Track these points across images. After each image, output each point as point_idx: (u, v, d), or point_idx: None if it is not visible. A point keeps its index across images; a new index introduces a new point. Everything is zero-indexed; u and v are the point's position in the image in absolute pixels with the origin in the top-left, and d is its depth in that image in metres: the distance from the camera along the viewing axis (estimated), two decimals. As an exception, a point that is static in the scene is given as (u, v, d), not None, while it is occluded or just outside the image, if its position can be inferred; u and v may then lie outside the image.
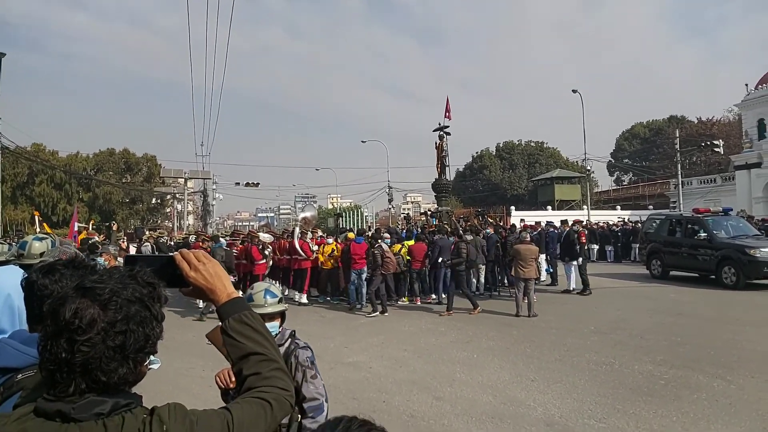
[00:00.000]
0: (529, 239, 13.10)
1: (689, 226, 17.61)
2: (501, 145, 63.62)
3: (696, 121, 56.72)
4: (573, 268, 15.61)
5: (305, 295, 15.09)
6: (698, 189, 42.58)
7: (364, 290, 13.70)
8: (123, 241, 21.80)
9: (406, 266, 14.59)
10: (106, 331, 1.14)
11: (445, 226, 17.93)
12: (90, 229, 22.55)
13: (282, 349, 3.09)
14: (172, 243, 24.17)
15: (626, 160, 65.01)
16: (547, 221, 20.40)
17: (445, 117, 23.35)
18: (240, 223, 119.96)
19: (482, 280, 15.61)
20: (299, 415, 3.00)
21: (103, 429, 1.11)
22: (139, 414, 1.16)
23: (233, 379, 2.08)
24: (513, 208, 41.39)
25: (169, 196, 58.45)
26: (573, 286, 15.40)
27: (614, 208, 44.44)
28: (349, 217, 41.31)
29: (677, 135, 38.89)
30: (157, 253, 16.57)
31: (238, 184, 51.79)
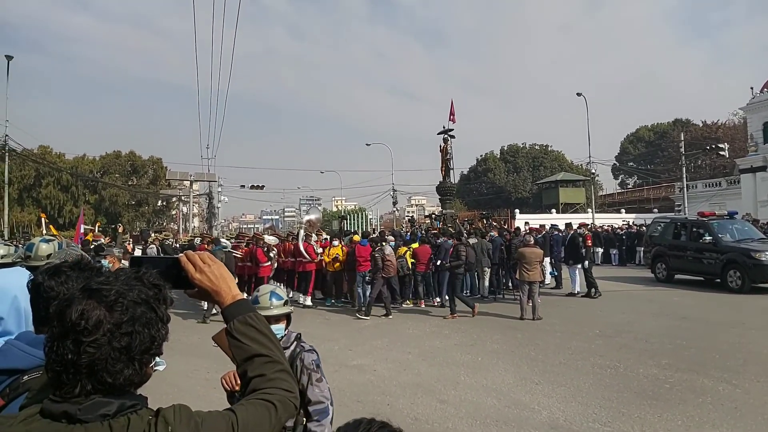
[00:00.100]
0: (533, 242, 13.08)
1: (694, 229, 17.55)
2: (505, 148, 63.51)
3: (701, 125, 56.53)
4: (577, 271, 15.57)
5: (309, 297, 15.11)
6: (703, 192, 42.39)
7: (369, 292, 13.73)
8: (129, 243, 21.87)
9: (410, 269, 14.58)
10: (112, 332, 1.14)
11: (450, 229, 17.90)
12: (96, 231, 22.61)
13: (287, 352, 3.09)
14: (178, 245, 24.23)
15: (631, 164, 64.87)
16: (551, 224, 20.34)
17: (450, 120, 23.32)
18: (245, 226, 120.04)
19: (486, 283, 15.59)
20: (304, 419, 3.01)
21: (109, 430, 1.11)
22: (144, 415, 1.16)
23: (239, 381, 2.08)
24: (517, 211, 41.32)
25: (174, 199, 58.52)
26: (577, 289, 15.37)
27: (619, 212, 44.30)
28: (354, 219, 41.25)
29: (682, 138, 38.76)
30: (162, 255, 16.59)
31: (243, 186, 51.84)
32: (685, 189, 36.90)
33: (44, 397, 1.18)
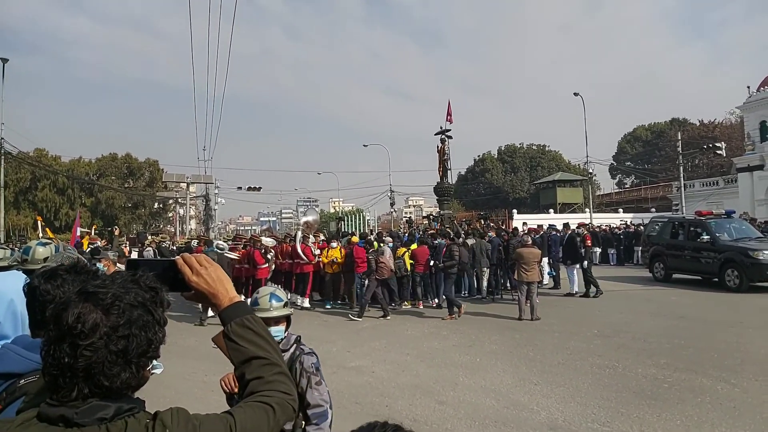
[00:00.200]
0: (531, 242, 13.10)
1: (692, 228, 17.58)
2: (503, 149, 63.64)
3: (698, 124, 56.66)
4: (575, 271, 15.59)
5: (307, 299, 15.10)
6: (700, 191, 42.49)
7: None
8: (125, 246, 21.84)
9: (407, 270, 14.58)
10: (109, 335, 1.14)
11: (447, 229, 17.90)
12: (92, 234, 22.57)
13: (287, 355, 3.08)
14: (175, 247, 24.22)
15: (628, 163, 65.02)
16: (549, 224, 20.36)
17: (447, 120, 23.35)
18: (242, 228, 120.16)
19: (485, 283, 15.59)
20: (303, 422, 2.99)
21: None
22: (142, 418, 1.16)
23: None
24: (515, 211, 41.36)
25: (171, 201, 58.51)
26: (576, 289, 15.39)
27: (616, 211, 44.35)
28: (351, 220, 41.29)
29: (679, 137, 38.83)
30: (159, 257, 16.59)
31: (240, 188, 51.77)
32: (683, 188, 36.99)
33: (41, 401, 1.17)
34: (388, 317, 12.95)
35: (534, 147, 63.34)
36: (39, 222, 24.70)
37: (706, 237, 16.67)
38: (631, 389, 7.09)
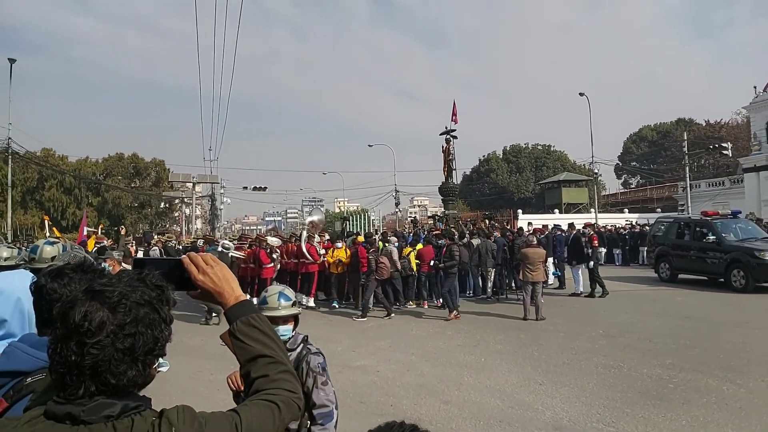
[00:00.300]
0: (536, 243, 13.07)
1: (698, 229, 17.51)
2: (508, 149, 63.59)
3: (704, 124, 56.49)
4: (580, 271, 15.55)
5: (312, 298, 15.12)
6: (706, 192, 42.30)
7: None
8: (132, 245, 21.90)
9: (412, 270, 14.58)
10: (116, 333, 1.14)
11: (452, 229, 17.90)
12: (99, 233, 22.64)
13: (294, 354, 3.08)
14: (181, 247, 24.26)
15: (634, 163, 64.79)
16: (554, 224, 20.33)
17: (452, 120, 23.33)
18: (248, 227, 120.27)
19: (490, 283, 15.55)
20: (309, 422, 3.00)
21: (113, 431, 1.11)
22: (148, 416, 1.16)
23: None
24: (520, 211, 41.28)
25: (177, 201, 58.67)
26: (581, 289, 15.36)
27: (622, 211, 44.22)
28: (356, 220, 41.26)
29: (685, 138, 38.69)
30: (165, 257, 16.63)
31: (245, 188, 51.96)
32: (689, 188, 36.82)
33: (48, 399, 1.18)
34: (392, 315, 12.96)
35: (539, 147, 63.26)
36: (46, 221, 24.84)
37: (712, 237, 16.60)
38: (636, 389, 7.07)
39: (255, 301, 2.95)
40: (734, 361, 8.16)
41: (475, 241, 15.76)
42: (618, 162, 65.52)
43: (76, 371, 1.13)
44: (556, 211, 43.48)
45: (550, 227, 20.06)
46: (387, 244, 14.84)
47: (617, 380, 7.51)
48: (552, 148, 63.27)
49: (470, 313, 13.09)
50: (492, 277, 15.51)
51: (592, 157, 39.58)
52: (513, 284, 15.95)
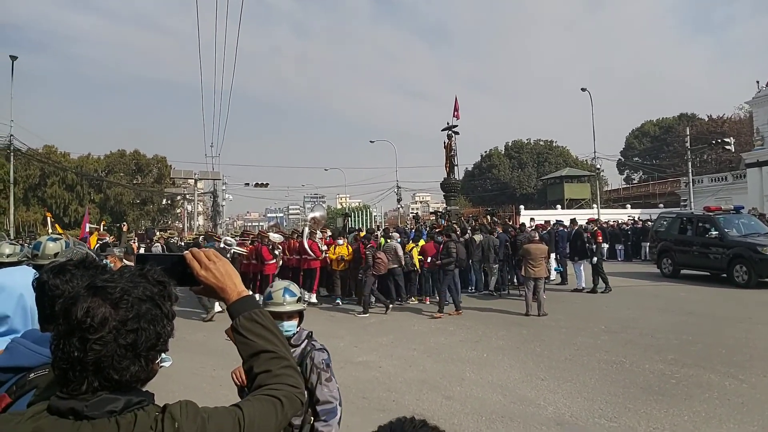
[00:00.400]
0: (538, 238, 13.06)
1: (700, 224, 17.49)
2: (510, 144, 63.49)
3: (707, 119, 56.35)
4: (582, 267, 15.55)
5: (315, 294, 15.14)
6: (709, 187, 42.26)
7: (374, 287, 13.82)
8: (134, 242, 21.94)
9: (414, 266, 14.59)
10: (118, 329, 1.14)
11: (454, 225, 17.90)
12: (101, 230, 22.68)
13: (298, 350, 3.08)
14: (183, 243, 24.30)
15: (636, 159, 64.67)
16: (556, 220, 20.32)
17: (454, 116, 23.32)
18: (249, 224, 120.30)
19: (494, 279, 15.53)
20: (312, 418, 3.00)
21: (116, 426, 1.11)
22: (151, 411, 1.17)
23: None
24: (522, 207, 41.28)
25: (179, 197, 58.69)
26: (583, 285, 15.35)
27: (624, 207, 44.25)
28: (358, 217, 41.27)
29: (688, 133, 38.60)
30: (167, 253, 16.65)
31: (247, 184, 51.92)
32: (691, 184, 36.76)
33: (51, 395, 1.18)
34: (389, 309, 13.09)
35: (541, 143, 63.16)
36: (48, 218, 24.86)
37: (714, 233, 16.57)
38: (638, 385, 7.07)
39: (257, 297, 2.95)
40: (736, 357, 8.16)
41: (478, 237, 15.74)
42: (620, 157, 65.35)
43: (79, 367, 1.13)
44: (558, 206, 43.44)
45: (552, 223, 20.06)
46: (390, 240, 14.84)
47: (619, 376, 7.51)
48: (554, 144, 63.17)
49: (472, 308, 13.10)
50: (496, 273, 15.49)
51: (594, 152, 39.67)
52: (515, 280, 15.96)
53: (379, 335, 10.80)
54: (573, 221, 17.29)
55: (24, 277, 2.26)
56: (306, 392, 2.94)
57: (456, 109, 23.33)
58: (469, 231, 16.78)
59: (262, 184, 50.59)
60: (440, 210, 25.80)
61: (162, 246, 19.67)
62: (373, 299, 13.47)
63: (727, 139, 34.62)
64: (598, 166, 41.99)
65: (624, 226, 27.71)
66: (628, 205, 45.04)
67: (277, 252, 15.16)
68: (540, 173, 57.64)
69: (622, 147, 68.68)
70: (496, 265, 15.38)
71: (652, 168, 58.52)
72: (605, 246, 24.57)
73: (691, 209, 30.22)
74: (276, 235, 16.68)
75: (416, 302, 14.57)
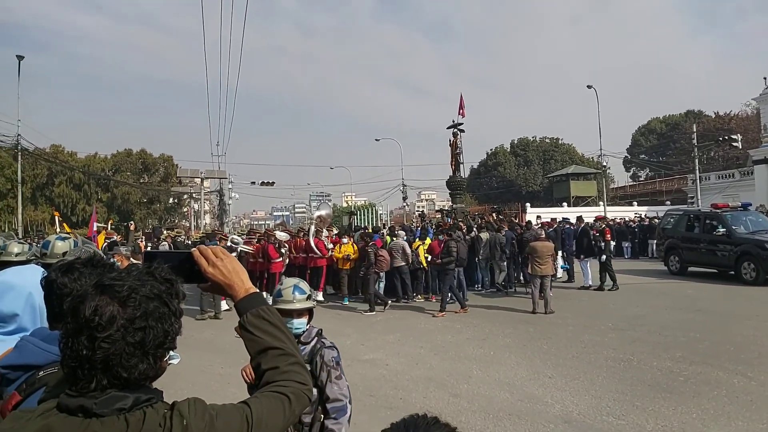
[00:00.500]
0: (544, 236, 13.03)
1: (707, 221, 17.41)
2: (515, 142, 63.34)
3: (713, 116, 56.05)
4: (589, 265, 15.50)
5: (321, 292, 15.16)
6: (716, 184, 42.03)
7: (382, 284, 13.85)
8: (141, 241, 22.02)
9: (420, 264, 14.59)
10: (126, 327, 1.15)
11: (460, 223, 17.88)
12: (108, 228, 22.77)
13: (308, 348, 3.08)
14: (190, 242, 24.38)
15: (643, 156, 64.42)
16: (563, 218, 20.27)
17: (459, 114, 23.28)
18: (256, 222, 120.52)
19: (503, 276, 15.48)
20: (322, 415, 3.00)
21: (125, 424, 1.12)
22: (160, 409, 1.17)
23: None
24: (528, 204, 41.24)
25: (186, 196, 58.95)
26: (590, 282, 15.31)
27: (631, 204, 44.07)
28: (364, 215, 41.33)
29: (694, 130, 38.44)
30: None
31: (253, 183, 52.12)
32: (698, 181, 36.59)
33: (61, 392, 1.19)
34: (385, 308, 13.15)
35: (547, 140, 62.97)
36: (56, 217, 24.98)
37: (722, 230, 16.49)
38: (646, 382, 7.05)
39: (264, 295, 2.95)
40: (745, 354, 8.12)
41: (484, 235, 15.72)
42: (627, 155, 65.17)
43: (88, 365, 1.13)
44: (565, 204, 43.36)
45: (558, 221, 20.01)
46: (396, 238, 14.84)
47: (627, 373, 7.49)
48: (560, 141, 62.96)
49: (479, 306, 13.09)
50: (504, 268, 15.45)
51: (601, 149, 39.47)
52: (522, 278, 15.93)
53: (385, 333, 10.81)
54: (579, 219, 17.24)
55: (33, 275, 2.27)
56: (316, 390, 2.95)
57: (461, 107, 23.30)
58: (475, 229, 16.77)
59: (268, 182, 50.79)
60: (446, 208, 25.78)
61: (169, 244, 19.74)
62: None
63: (734, 136, 34.45)
64: (605, 164, 41.82)
65: (631, 223, 27.62)
66: (635, 203, 44.85)
67: (283, 250, 15.20)
68: (546, 171, 57.49)
69: (628, 144, 68.48)
70: (504, 263, 15.34)
71: (659, 165, 58.27)
72: (612, 244, 24.52)
73: (698, 206, 30.06)
74: (282, 234, 16.72)
75: (423, 300, 14.56)
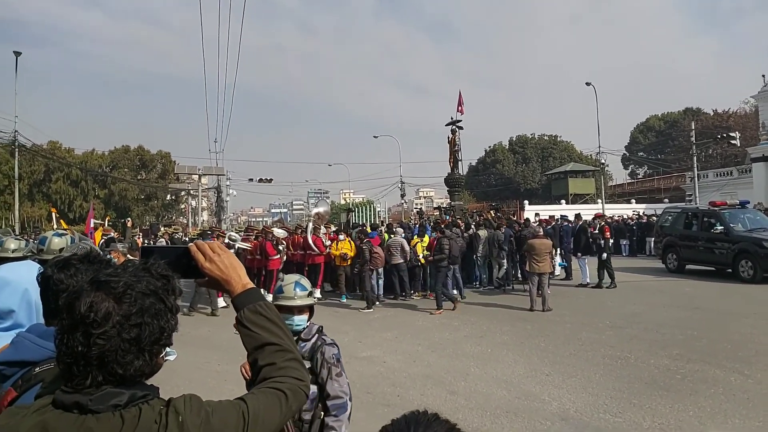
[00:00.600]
0: (542, 233, 13.03)
1: (705, 219, 17.42)
2: (514, 139, 63.28)
3: (712, 113, 56.03)
4: (587, 262, 15.52)
5: (319, 289, 15.15)
6: (714, 182, 42.05)
7: (381, 282, 13.86)
8: (138, 237, 21.99)
9: (417, 261, 14.60)
10: (121, 324, 1.14)
11: (458, 221, 17.89)
12: (106, 225, 22.77)
13: (309, 345, 3.08)
14: (187, 239, 24.37)
15: (641, 153, 64.49)
16: (561, 215, 20.28)
17: (458, 111, 23.28)
18: (254, 219, 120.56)
19: (502, 273, 15.47)
20: (322, 412, 2.99)
21: (120, 420, 1.11)
22: (155, 405, 1.17)
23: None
24: (527, 202, 41.22)
25: (183, 193, 58.95)
26: (587, 280, 15.32)
27: (629, 202, 44.09)
28: (362, 212, 41.30)
29: (693, 127, 38.46)
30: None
31: (251, 180, 52.17)
32: (696, 178, 36.62)
33: (57, 388, 1.18)
34: (377, 304, 13.21)
35: (545, 137, 62.91)
36: (53, 214, 24.95)
37: (719, 227, 16.50)
38: (643, 380, 7.06)
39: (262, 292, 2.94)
40: (742, 352, 8.14)
41: (482, 233, 15.73)
42: (625, 152, 65.25)
43: (83, 361, 1.13)
44: (563, 201, 43.36)
45: (556, 218, 20.02)
46: (394, 236, 14.84)
47: (624, 371, 7.50)
48: (558, 139, 62.90)
49: (477, 304, 13.10)
50: (504, 265, 15.45)
51: (599, 147, 39.52)
52: (519, 275, 15.94)
53: (383, 330, 10.82)
54: (577, 216, 17.25)
55: (29, 271, 2.27)
56: (316, 387, 2.95)
57: (460, 104, 23.30)
58: (473, 226, 16.77)
59: (266, 179, 50.74)
60: (444, 205, 25.79)
61: (166, 241, 19.81)
62: (376, 293, 13.52)
63: (732, 134, 34.47)
64: (603, 161, 41.88)
65: (629, 221, 27.64)
66: (633, 200, 44.89)
67: (281, 247, 15.21)
68: (544, 168, 57.48)
69: (626, 142, 68.54)
70: (504, 259, 15.34)
71: (657, 163, 58.30)
72: (611, 241, 24.53)
73: (696, 204, 30.10)
74: (280, 231, 16.73)
75: (420, 297, 14.57)
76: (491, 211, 21.48)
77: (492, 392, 6.84)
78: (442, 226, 15.02)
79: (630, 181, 63.33)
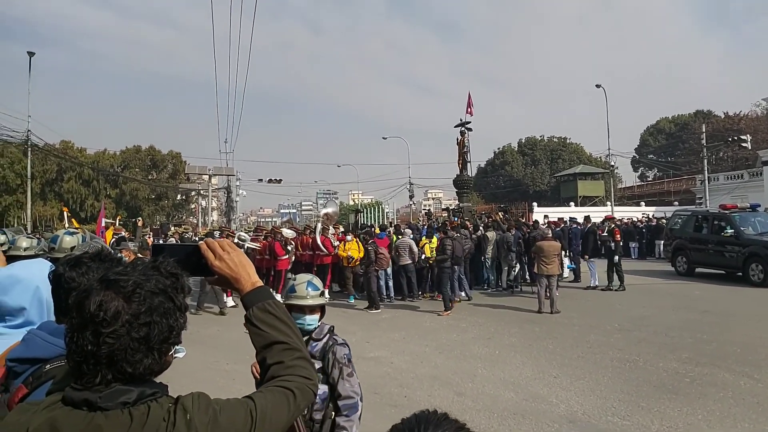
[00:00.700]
0: (551, 235, 13.00)
1: (716, 222, 17.32)
2: (523, 141, 63.10)
3: (723, 116, 55.62)
4: (595, 265, 15.45)
5: (327, 290, 15.16)
6: (725, 185, 41.73)
7: (391, 283, 13.84)
8: (149, 237, 22.11)
9: (425, 262, 14.59)
10: (131, 323, 1.15)
11: (467, 222, 17.85)
12: (117, 224, 22.89)
13: (320, 344, 3.07)
14: (197, 238, 24.46)
15: (651, 156, 64.05)
16: (570, 217, 20.20)
17: (467, 113, 23.22)
18: (263, 219, 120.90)
19: (512, 275, 15.42)
20: (333, 413, 2.99)
21: (129, 417, 1.12)
22: (164, 403, 1.18)
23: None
24: (535, 204, 41.10)
25: (193, 193, 59.13)
26: (596, 282, 15.26)
27: (638, 204, 43.85)
28: (370, 213, 41.31)
29: (703, 130, 38.15)
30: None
31: (261, 180, 52.30)
32: (707, 181, 36.35)
33: (67, 385, 1.19)
34: (378, 309, 13.12)
35: (555, 139, 62.68)
36: (65, 213, 25.12)
37: (730, 231, 16.40)
38: (651, 383, 7.03)
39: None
40: (751, 356, 8.08)
41: (491, 234, 15.70)
42: (635, 154, 64.84)
43: (93, 360, 1.14)
44: (572, 204, 43.21)
45: (565, 220, 19.95)
46: (402, 237, 14.84)
47: (632, 374, 7.47)
48: (568, 141, 62.65)
49: (485, 305, 13.08)
50: (515, 266, 15.41)
51: (609, 149, 39.31)
52: (528, 277, 15.90)
53: (390, 331, 10.82)
54: (587, 218, 17.18)
55: (40, 269, 2.29)
56: (327, 387, 2.95)
57: (469, 105, 23.24)
58: (481, 228, 16.74)
59: (276, 180, 50.89)
60: (453, 207, 25.74)
61: (176, 240, 19.83)
62: (384, 293, 13.52)
63: (743, 137, 34.16)
64: (612, 163, 41.66)
65: (638, 223, 27.50)
66: (643, 203, 44.63)
67: (289, 248, 15.24)
68: (553, 170, 57.27)
69: (636, 144, 68.12)
70: (514, 261, 15.31)
71: (667, 165, 57.90)
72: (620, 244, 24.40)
73: (706, 207, 29.89)
74: (289, 231, 16.76)
75: (428, 299, 14.56)
76: (500, 213, 21.43)
77: (499, 394, 6.82)
78: (450, 227, 15.01)
79: (640, 183, 62.93)
